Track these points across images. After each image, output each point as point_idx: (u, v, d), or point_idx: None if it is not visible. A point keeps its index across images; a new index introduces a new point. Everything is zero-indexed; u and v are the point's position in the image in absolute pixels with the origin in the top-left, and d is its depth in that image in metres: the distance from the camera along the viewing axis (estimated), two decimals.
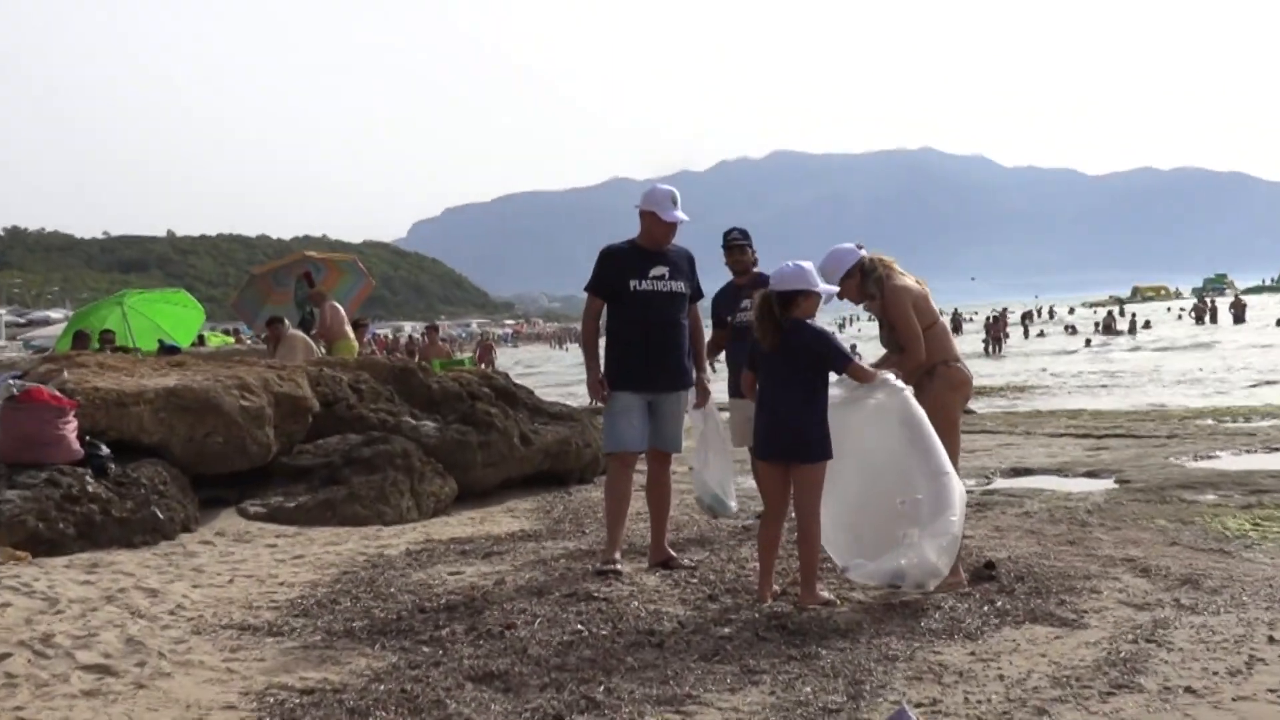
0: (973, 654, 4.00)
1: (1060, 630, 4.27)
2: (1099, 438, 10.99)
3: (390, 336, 56.32)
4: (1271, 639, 4.07)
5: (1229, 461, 9.06)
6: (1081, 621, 4.37)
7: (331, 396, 8.24)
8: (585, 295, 5.66)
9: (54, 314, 70.86)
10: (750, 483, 6.95)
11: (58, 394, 6.50)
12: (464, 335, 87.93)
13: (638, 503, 5.98)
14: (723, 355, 6.80)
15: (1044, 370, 27.59)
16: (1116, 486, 7.90)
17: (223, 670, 3.99)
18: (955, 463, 4.85)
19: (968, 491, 6.26)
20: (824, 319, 5.18)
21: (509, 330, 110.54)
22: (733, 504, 6.53)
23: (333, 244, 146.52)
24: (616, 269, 5.54)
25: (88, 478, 6.24)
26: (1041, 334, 50.50)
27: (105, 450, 6.49)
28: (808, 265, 4.83)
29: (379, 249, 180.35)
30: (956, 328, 50.42)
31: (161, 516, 6.34)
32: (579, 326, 6.02)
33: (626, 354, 5.53)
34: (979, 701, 3.52)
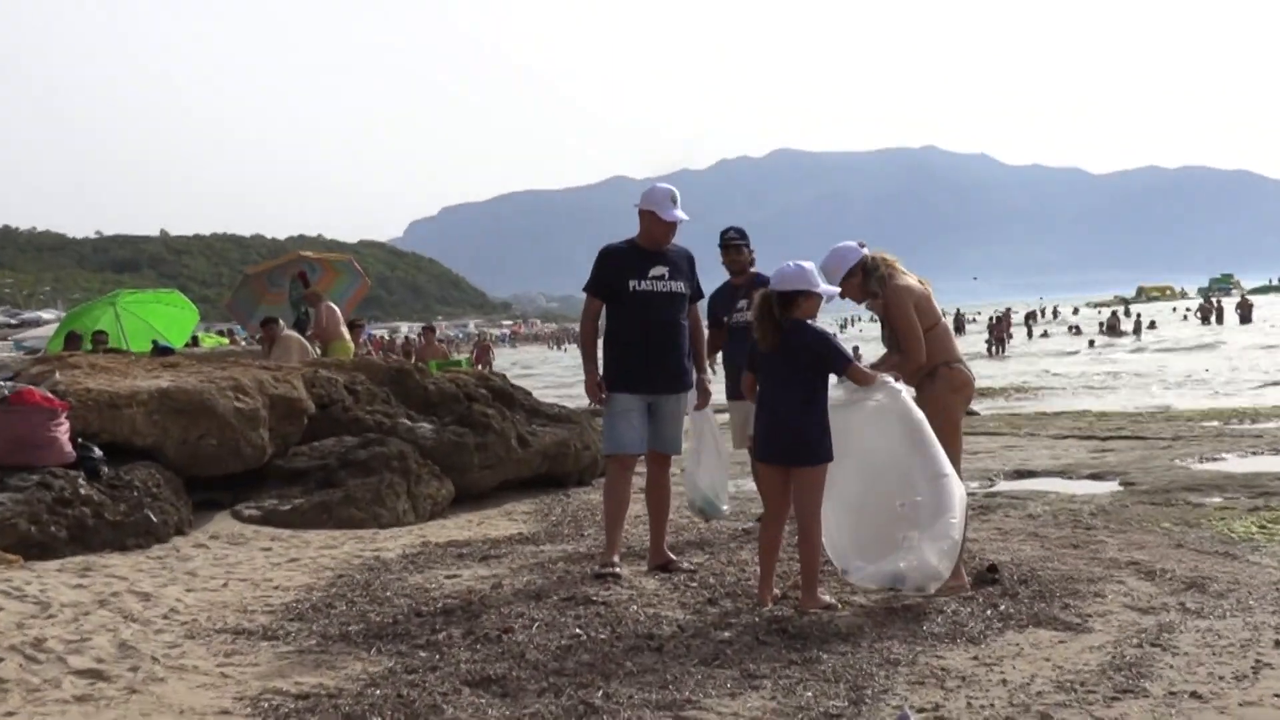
0: (976, 658, 3.96)
1: (1064, 634, 4.23)
2: (1103, 439, 10.95)
3: (386, 337, 56.24)
4: (1278, 643, 4.03)
5: (1235, 464, 9.00)
6: (1086, 625, 4.33)
7: (327, 398, 8.19)
8: (584, 295, 5.62)
9: (46, 315, 70.38)
10: (750, 485, 6.90)
11: (50, 396, 6.45)
12: (461, 336, 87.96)
13: (637, 505, 5.95)
14: (719, 356, 6.75)
15: (1047, 371, 27.60)
16: (1121, 489, 7.87)
17: (217, 675, 3.95)
18: (957, 465, 4.82)
19: (970, 494, 6.22)
20: (825, 319, 5.14)
21: (506, 331, 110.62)
22: (724, 506, 6.38)
23: (328, 244, 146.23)
24: (615, 269, 5.49)
25: (80, 480, 6.19)
26: (1045, 334, 50.48)
27: (98, 452, 6.44)
28: (809, 265, 4.79)
29: (375, 249, 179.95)
30: (960, 328, 50.46)
31: (155, 519, 6.29)
32: (577, 327, 5.98)
33: (626, 355, 5.48)
34: (982, 706, 3.48)
